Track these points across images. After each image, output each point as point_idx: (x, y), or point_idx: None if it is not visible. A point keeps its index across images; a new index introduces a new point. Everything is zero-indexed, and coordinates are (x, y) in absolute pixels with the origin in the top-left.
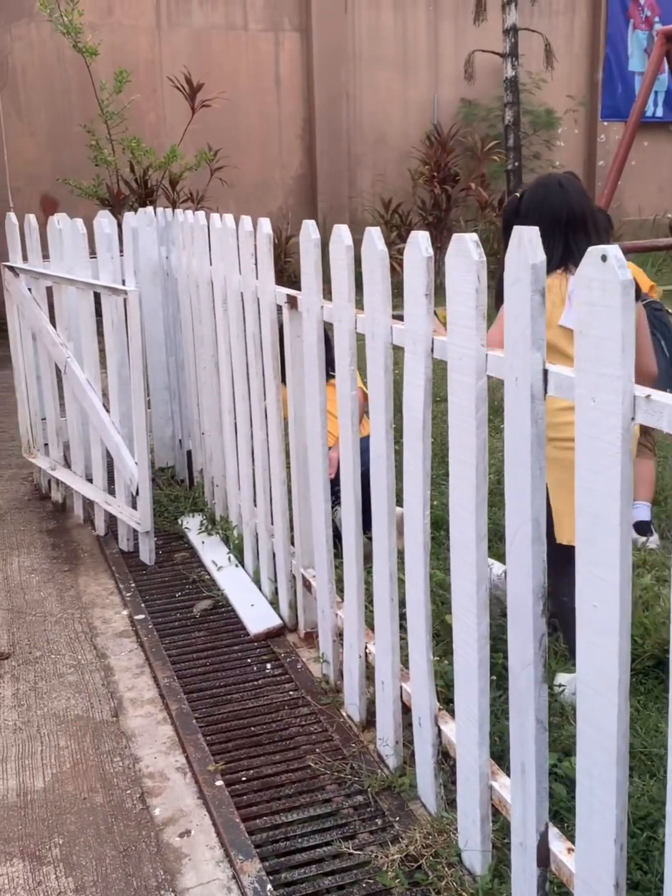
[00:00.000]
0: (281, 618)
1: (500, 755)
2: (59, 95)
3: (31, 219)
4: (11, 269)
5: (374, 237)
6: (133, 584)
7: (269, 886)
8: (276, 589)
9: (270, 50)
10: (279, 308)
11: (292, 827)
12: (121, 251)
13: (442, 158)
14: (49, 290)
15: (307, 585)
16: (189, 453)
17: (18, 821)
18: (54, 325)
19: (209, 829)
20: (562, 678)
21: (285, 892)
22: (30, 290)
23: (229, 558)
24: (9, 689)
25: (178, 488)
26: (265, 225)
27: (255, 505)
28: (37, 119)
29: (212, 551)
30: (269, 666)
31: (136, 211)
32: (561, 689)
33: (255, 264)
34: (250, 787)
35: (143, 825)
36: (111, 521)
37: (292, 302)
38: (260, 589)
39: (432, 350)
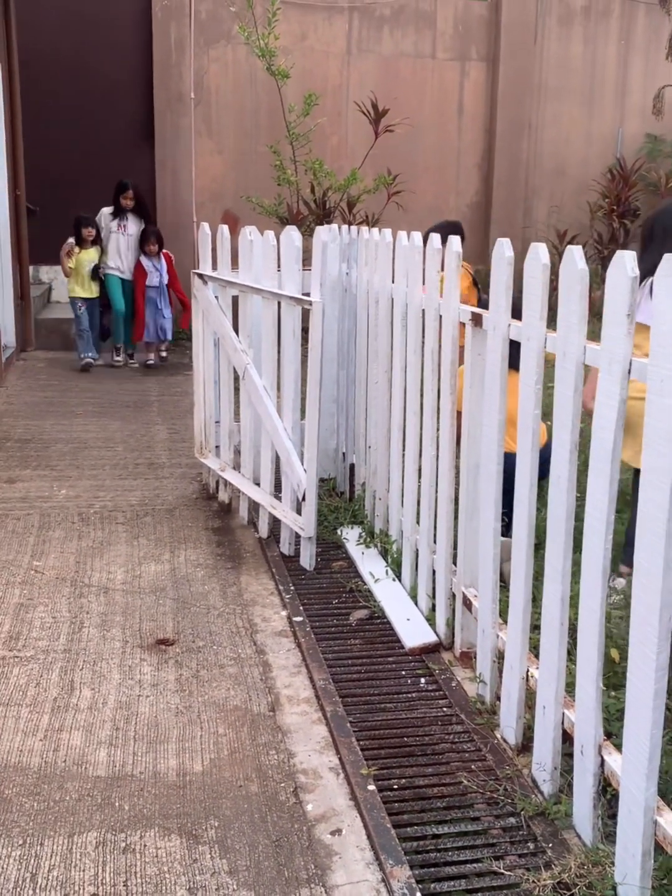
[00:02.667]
0: (437, 635)
1: (662, 792)
2: (247, 116)
3: (224, 229)
4: (201, 276)
5: (575, 256)
6: (292, 587)
7: (419, 894)
8: (434, 605)
9: (456, 78)
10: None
11: (441, 840)
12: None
13: (623, 192)
14: (234, 299)
15: (467, 604)
16: (352, 466)
17: (177, 800)
18: (237, 333)
19: (360, 831)
20: None
21: None
22: (216, 297)
23: (387, 571)
24: (172, 674)
25: (338, 500)
26: (455, 243)
27: (418, 521)
28: (225, 138)
29: (370, 563)
30: (423, 680)
31: (312, 231)
32: None
33: (440, 282)
34: (401, 795)
35: (296, 819)
36: (274, 524)
37: (477, 319)
38: (416, 604)
39: (630, 371)
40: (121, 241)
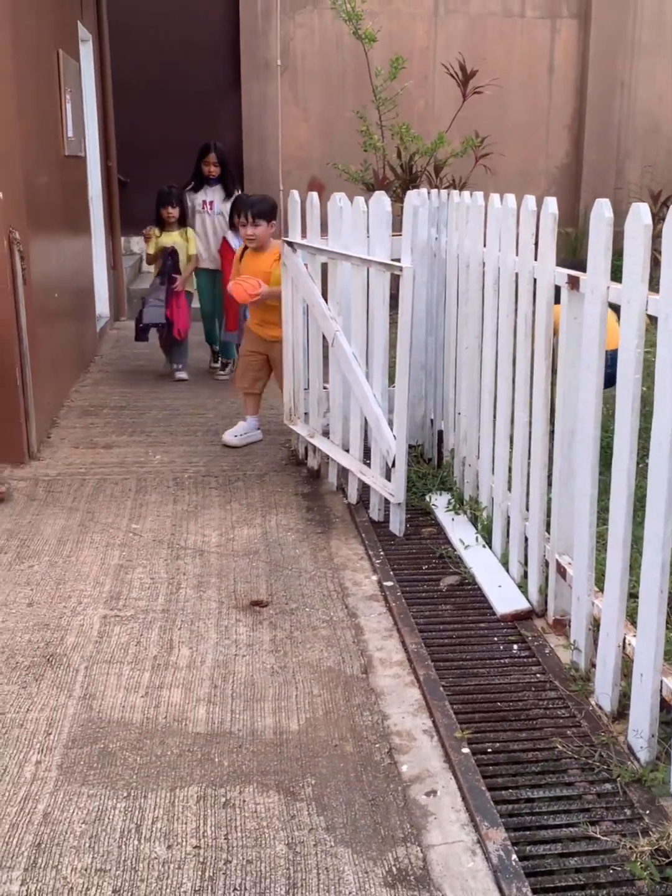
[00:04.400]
0: (529, 601)
1: None
2: (334, 82)
3: (314, 196)
4: (290, 244)
5: None
6: (382, 552)
7: (514, 856)
8: (526, 572)
9: (546, 37)
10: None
11: (536, 804)
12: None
13: None
14: (323, 267)
15: (561, 572)
16: (440, 433)
17: (274, 757)
18: (326, 300)
19: (455, 793)
20: None
21: (529, 865)
22: (306, 264)
23: (477, 538)
24: (267, 634)
25: (425, 467)
26: (551, 204)
27: (509, 488)
28: (312, 104)
29: (459, 530)
30: (515, 647)
31: (398, 196)
32: None
33: (536, 244)
34: (495, 759)
35: (391, 779)
36: (363, 490)
37: (573, 282)
38: (508, 571)
39: None
40: (206, 222)
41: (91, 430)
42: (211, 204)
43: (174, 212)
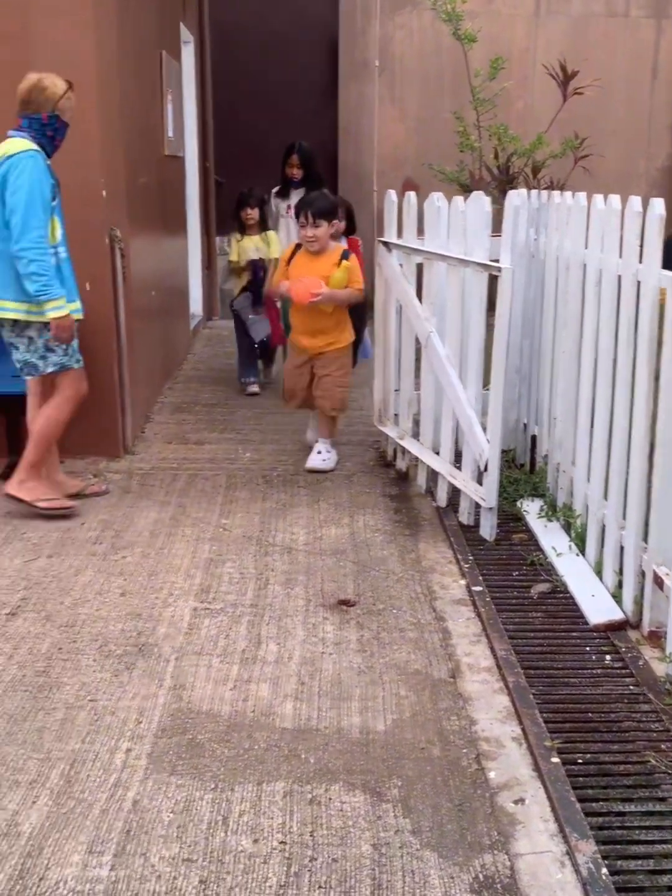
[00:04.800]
0: (623, 612)
1: None
2: (431, 82)
3: (411, 196)
4: (385, 243)
5: None
6: (471, 557)
7: (604, 870)
8: (621, 582)
9: (651, 37)
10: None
11: (627, 818)
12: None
13: None
14: (418, 267)
15: (658, 582)
16: (533, 438)
17: (361, 756)
18: (420, 301)
19: (544, 802)
20: None
21: (620, 880)
22: (400, 265)
23: (570, 546)
24: (354, 634)
25: (517, 472)
26: (658, 205)
27: (606, 496)
28: (408, 105)
29: (551, 537)
30: (608, 657)
31: (494, 197)
32: None
33: (641, 246)
34: (585, 770)
35: (478, 785)
36: (453, 493)
37: None
38: (601, 580)
39: None
40: (292, 228)
41: (183, 426)
42: (292, 209)
43: (253, 213)
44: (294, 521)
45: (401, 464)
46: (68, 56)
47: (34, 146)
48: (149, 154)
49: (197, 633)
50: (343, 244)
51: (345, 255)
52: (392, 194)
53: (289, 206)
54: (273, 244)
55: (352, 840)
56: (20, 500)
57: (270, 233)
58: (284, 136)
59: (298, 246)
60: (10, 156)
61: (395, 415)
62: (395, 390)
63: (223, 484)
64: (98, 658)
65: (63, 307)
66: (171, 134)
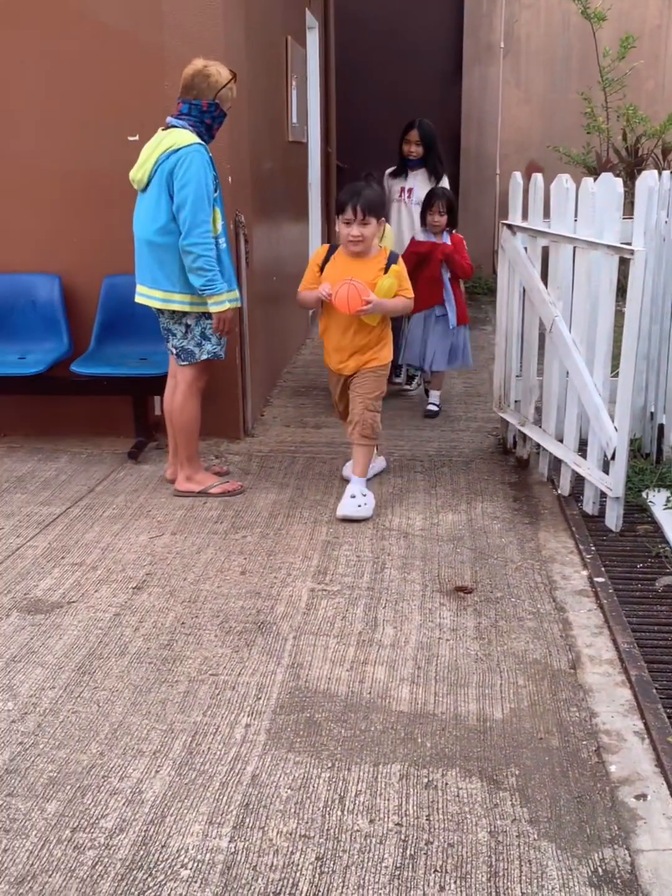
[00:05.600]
0: None
1: None
2: (557, 63)
3: (538, 178)
4: (510, 226)
5: None
6: (593, 547)
7: None
8: None
9: None
10: None
11: None
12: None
13: None
14: (543, 251)
15: None
16: (660, 427)
17: (477, 743)
18: (545, 284)
19: (666, 799)
20: None
21: None
22: (525, 248)
23: None
24: (471, 621)
25: (643, 461)
26: None
27: None
28: (533, 87)
29: None
30: None
31: (621, 179)
32: None
33: None
34: None
35: (598, 778)
36: (576, 482)
37: None
38: None
39: None
40: (402, 213)
41: (301, 409)
42: (409, 192)
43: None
44: (411, 507)
45: (522, 451)
46: (196, 41)
47: (198, 139)
48: (273, 140)
49: (314, 613)
50: (390, 247)
51: (392, 259)
52: (517, 176)
53: (403, 188)
54: (386, 237)
55: (468, 826)
56: (193, 493)
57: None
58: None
59: (332, 248)
60: (177, 149)
61: (516, 401)
62: (516, 376)
63: (340, 467)
64: (219, 634)
65: (225, 302)
66: (294, 120)
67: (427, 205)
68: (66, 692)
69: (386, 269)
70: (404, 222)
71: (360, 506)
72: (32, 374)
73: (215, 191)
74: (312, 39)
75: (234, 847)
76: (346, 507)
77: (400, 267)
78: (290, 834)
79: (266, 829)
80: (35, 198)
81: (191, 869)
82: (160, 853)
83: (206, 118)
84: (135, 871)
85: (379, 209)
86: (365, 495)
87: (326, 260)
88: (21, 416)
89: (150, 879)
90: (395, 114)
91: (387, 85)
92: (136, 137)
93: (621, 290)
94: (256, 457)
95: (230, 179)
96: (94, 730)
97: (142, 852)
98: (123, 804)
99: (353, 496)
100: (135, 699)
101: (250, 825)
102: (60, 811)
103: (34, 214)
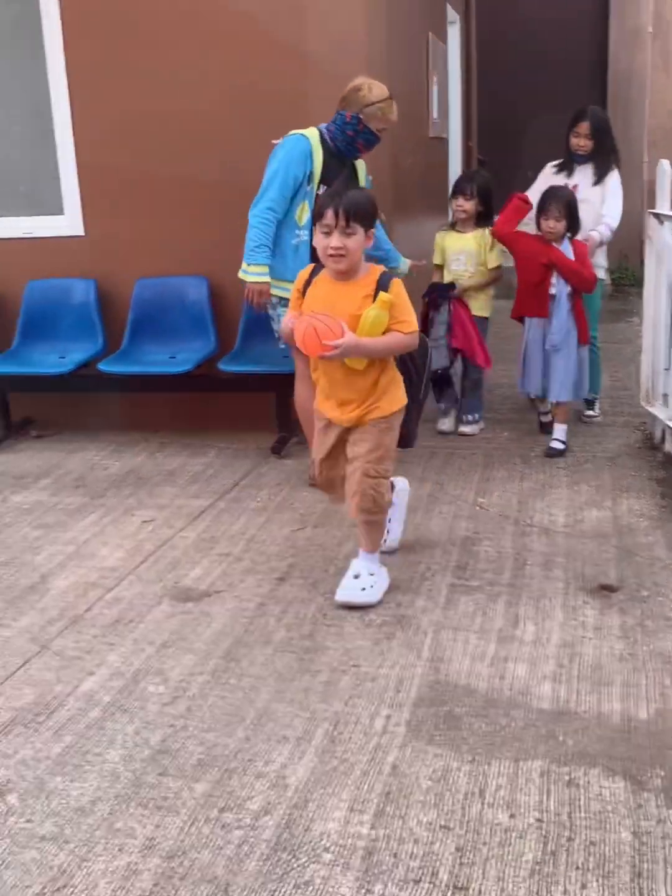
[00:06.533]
0: None
1: None
2: None
3: None
4: (657, 216)
5: None
6: None
7: None
8: None
9: None
10: None
11: None
12: None
13: None
14: None
15: None
16: None
17: (621, 743)
18: None
19: None
20: None
21: None
22: None
23: None
24: (616, 620)
25: None
26: None
27: None
28: None
29: None
30: None
31: None
32: None
33: None
34: None
35: None
36: None
37: None
38: None
39: None
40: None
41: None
42: (577, 186)
43: (467, 204)
44: (553, 503)
45: (670, 447)
46: (339, 38)
47: (308, 131)
48: (414, 136)
49: (454, 608)
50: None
51: (383, 283)
52: (665, 164)
53: (567, 185)
54: (496, 248)
55: (611, 825)
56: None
57: (488, 231)
58: (549, 110)
59: (316, 268)
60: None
61: (664, 395)
62: (665, 369)
63: (480, 462)
64: (359, 626)
65: (260, 275)
66: (435, 115)
67: (541, 208)
68: (213, 678)
69: (375, 296)
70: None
71: (364, 588)
72: (182, 373)
73: (307, 184)
74: (453, 33)
75: (375, 834)
76: (346, 591)
77: (394, 294)
78: (430, 824)
79: (406, 818)
80: (186, 206)
81: (333, 853)
82: (303, 836)
83: (348, 129)
84: (279, 852)
85: (367, 216)
86: (373, 575)
87: (308, 283)
88: (172, 414)
89: (293, 861)
90: (537, 104)
91: (529, 75)
92: (278, 141)
93: None
94: (396, 451)
95: (371, 177)
96: (240, 715)
97: (286, 835)
98: (268, 787)
99: (358, 576)
100: (279, 687)
101: (391, 814)
102: (208, 791)
103: (185, 222)
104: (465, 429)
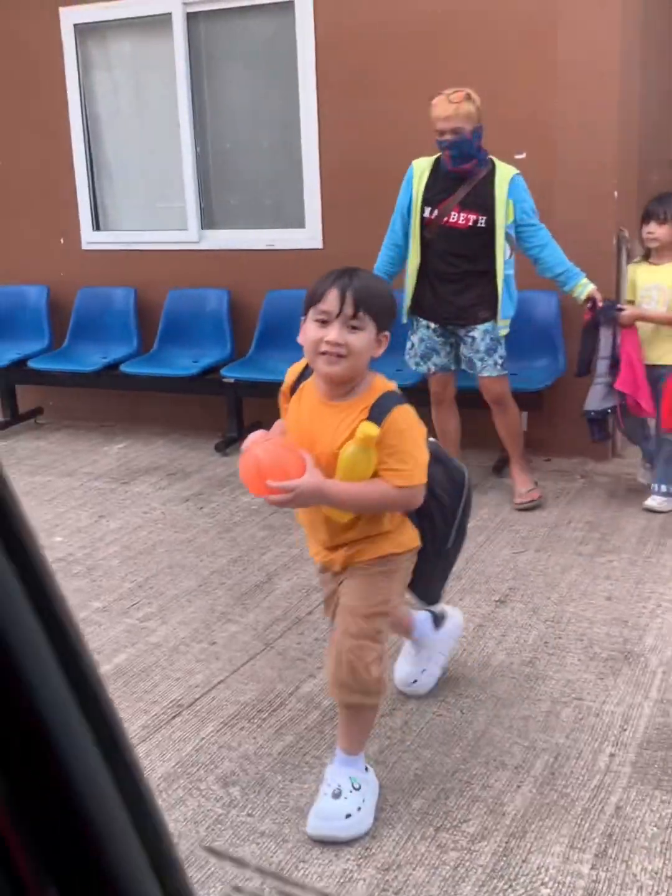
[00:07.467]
0: None
1: None
2: None
3: None
4: None
5: None
6: None
7: None
8: None
9: None
10: None
11: None
12: None
13: None
14: None
15: None
16: None
17: None
18: None
19: None
20: None
21: None
22: None
23: None
24: None
25: None
26: None
27: None
28: None
29: None
30: None
31: None
32: None
33: None
34: None
35: None
36: None
37: None
38: None
39: None
40: None
41: None
42: None
43: (660, 231)
44: None
45: None
46: (591, 48)
47: (428, 156)
48: (658, 152)
49: None
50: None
51: (380, 408)
52: None
53: None
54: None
55: None
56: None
57: None
58: None
59: (307, 368)
60: None
61: None
62: None
63: None
64: (583, 658)
65: None
66: None
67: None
68: (431, 695)
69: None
70: None
71: (349, 815)
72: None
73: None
74: None
75: (596, 875)
76: (324, 820)
77: (386, 427)
78: (656, 872)
79: (630, 863)
80: None
81: (551, 888)
82: (520, 867)
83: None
84: (495, 880)
85: (382, 312)
86: (358, 790)
87: (296, 384)
88: None
89: (509, 891)
90: None
91: None
92: (523, 155)
93: None
94: (624, 478)
95: (615, 194)
96: (457, 735)
97: (502, 863)
98: (485, 812)
99: (338, 795)
100: (496, 711)
101: (613, 856)
102: (425, 809)
103: None
104: (651, 503)
